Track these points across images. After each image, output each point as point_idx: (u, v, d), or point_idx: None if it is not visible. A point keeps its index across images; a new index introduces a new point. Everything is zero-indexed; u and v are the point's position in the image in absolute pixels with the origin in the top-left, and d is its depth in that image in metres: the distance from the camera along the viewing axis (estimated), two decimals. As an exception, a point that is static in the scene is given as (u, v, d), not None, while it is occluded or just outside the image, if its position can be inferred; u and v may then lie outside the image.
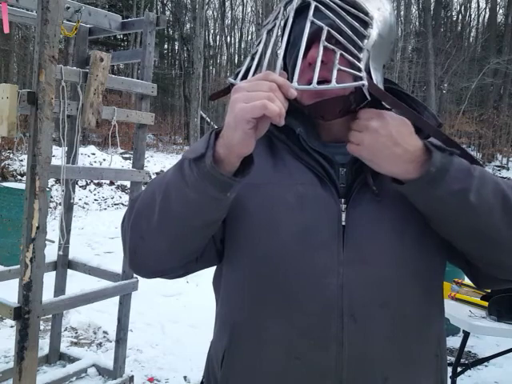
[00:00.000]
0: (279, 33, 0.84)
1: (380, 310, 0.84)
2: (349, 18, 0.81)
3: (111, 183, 10.01)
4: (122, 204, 9.73)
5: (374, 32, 0.83)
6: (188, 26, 25.39)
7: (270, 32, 0.84)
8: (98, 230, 7.45)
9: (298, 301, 0.84)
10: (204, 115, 19.51)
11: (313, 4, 0.81)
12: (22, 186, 5.22)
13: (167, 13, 25.60)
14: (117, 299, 2.81)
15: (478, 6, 38.11)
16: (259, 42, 0.84)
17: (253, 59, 0.82)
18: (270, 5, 21.98)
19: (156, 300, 4.42)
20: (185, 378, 3.11)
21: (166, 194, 0.80)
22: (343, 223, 0.85)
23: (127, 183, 8.69)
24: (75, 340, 3.61)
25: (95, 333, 3.75)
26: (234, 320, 0.90)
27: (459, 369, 2.63)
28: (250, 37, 30.75)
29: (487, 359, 3.11)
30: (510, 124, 21.87)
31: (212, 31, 29.69)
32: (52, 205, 7.70)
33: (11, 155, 8.77)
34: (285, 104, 0.72)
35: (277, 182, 0.87)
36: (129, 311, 2.83)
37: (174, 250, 0.85)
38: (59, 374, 2.88)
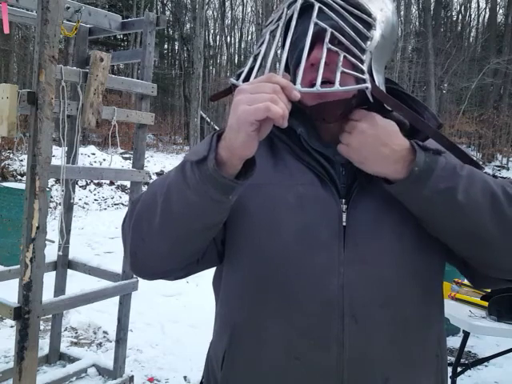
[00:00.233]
0: (282, 33, 0.83)
1: (380, 310, 0.84)
2: (352, 20, 0.81)
3: (111, 183, 10.01)
4: (122, 204, 9.73)
5: (376, 33, 0.83)
6: (188, 25, 25.41)
7: (272, 33, 0.84)
8: (98, 230, 7.45)
9: (299, 301, 0.84)
10: (204, 115, 19.50)
11: (316, 5, 0.80)
12: (22, 185, 5.22)
13: (167, 13, 25.60)
14: (117, 299, 2.81)
15: (478, 5, 38.15)
16: (262, 43, 0.83)
17: (255, 60, 0.81)
18: (269, 5, 21.97)
19: (156, 300, 4.42)
20: (185, 378, 3.11)
21: (167, 196, 0.79)
22: (344, 223, 0.85)
23: (127, 183, 8.70)
24: (75, 340, 3.61)
25: (95, 333, 3.75)
26: (234, 320, 0.90)
27: (459, 369, 2.63)
28: (249, 37, 30.78)
29: (487, 359, 3.11)
30: (510, 124, 21.86)
31: (212, 31, 29.71)
32: (52, 205, 7.70)
33: (11, 155, 8.77)
34: (288, 106, 0.72)
35: (277, 183, 0.87)
36: (129, 311, 2.83)
37: (175, 252, 0.85)
38: (59, 373, 2.88)
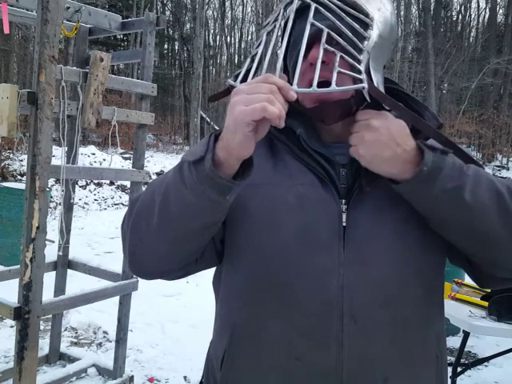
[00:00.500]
0: (279, 34, 0.84)
1: (380, 310, 0.84)
2: (349, 20, 0.81)
3: (111, 183, 10.01)
4: (122, 204, 9.73)
5: (374, 33, 0.83)
6: (188, 25, 25.40)
7: (269, 33, 0.84)
8: (98, 230, 7.45)
9: (298, 301, 0.84)
10: (204, 115, 19.51)
11: (313, 6, 0.80)
12: (22, 186, 5.22)
13: (167, 13, 25.60)
14: (117, 299, 2.81)
15: (478, 5, 38.13)
16: (259, 44, 0.83)
17: (253, 61, 0.81)
18: (269, 5, 21.96)
19: (156, 300, 4.42)
20: (185, 378, 3.11)
21: (165, 196, 0.80)
22: (344, 224, 0.85)
23: (127, 183, 8.70)
24: (75, 340, 3.61)
25: (95, 333, 3.75)
26: (234, 320, 0.90)
27: (459, 369, 2.63)
28: (249, 37, 30.78)
29: (487, 359, 3.11)
30: (510, 124, 21.86)
31: (212, 31, 29.71)
32: (52, 205, 7.70)
33: (11, 155, 8.78)
34: (285, 106, 0.72)
35: (277, 183, 0.87)
36: (129, 311, 2.83)
37: (173, 252, 0.85)
38: (59, 373, 2.88)
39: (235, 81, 0.80)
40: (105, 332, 3.76)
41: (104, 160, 10.57)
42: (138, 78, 2.89)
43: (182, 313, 4.21)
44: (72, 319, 3.86)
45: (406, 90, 0.94)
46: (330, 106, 0.85)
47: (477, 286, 2.77)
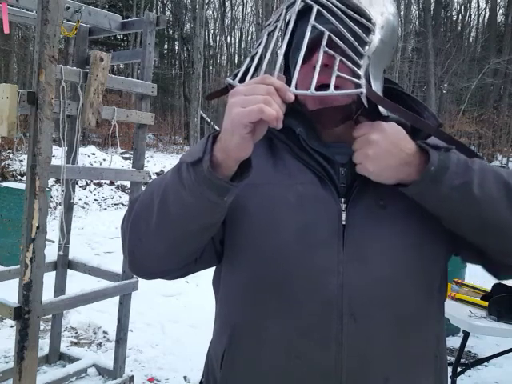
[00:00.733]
0: (280, 34, 0.83)
1: (380, 309, 0.84)
2: (351, 24, 0.81)
3: (111, 183, 10.01)
4: (122, 204, 9.73)
5: (375, 38, 0.83)
6: (188, 25, 25.40)
7: (270, 34, 0.84)
8: (98, 230, 7.44)
9: (298, 300, 0.84)
10: (204, 115, 19.51)
11: (315, 8, 0.80)
12: (22, 186, 5.22)
13: (167, 13, 25.60)
14: (117, 299, 2.81)
15: (478, 5, 38.09)
16: (259, 44, 0.83)
17: (252, 60, 0.81)
18: (269, 5, 21.96)
19: (156, 300, 4.42)
20: (185, 378, 3.11)
21: (163, 196, 0.80)
22: (343, 222, 0.85)
23: (127, 183, 8.70)
24: (75, 340, 3.61)
25: (95, 333, 3.75)
26: (234, 320, 0.90)
27: (459, 369, 2.63)
28: (249, 37, 30.78)
29: (487, 359, 3.11)
30: (510, 124, 21.87)
31: (212, 31, 29.72)
32: (52, 205, 7.70)
33: (11, 155, 8.77)
34: (282, 107, 0.72)
35: (277, 182, 0.87)
36: (129, 311, 2.83)
37: (172, 253, 0.85)
38: (59, 373, 2.88)
39: (234, 79, 0.80)
40: (105, 332, 3.75)
41: (104, 160, 10.57)
42: (138, 78, 2.89)
43: (181, 313, 4.21)
44: (72, 319, 3.86)
45: (405, 90, 0.94)
46: (330, 110, 0.85)
47: (477, 286, 2.79)
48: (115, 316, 2.84)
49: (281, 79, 0.74)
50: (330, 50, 0.78)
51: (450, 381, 2.52)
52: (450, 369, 2.55)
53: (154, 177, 10.20)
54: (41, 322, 2.51)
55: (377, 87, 0.85)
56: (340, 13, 0.81)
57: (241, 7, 35.89)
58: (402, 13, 22.61)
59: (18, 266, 2.40)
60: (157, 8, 25.12)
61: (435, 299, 0.91)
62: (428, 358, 0.89)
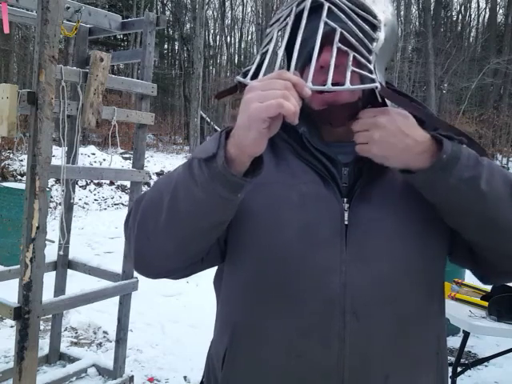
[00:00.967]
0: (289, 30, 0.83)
1: (382, 308, 0.84)
2: (359, 21, 0.81)
3: (111, 183, 10.01)
4: (122, 204, 9.73)
5: (381, 35, 0.84)
6: (188, 25, 25.41)
7: (281, 30, 0.84)
8: (98, 230, 7.44)
9: (300, 300, 0.84)
10: (204, 115, 19.51)
11: (326, 5, 0.80)
12: (22, 186, 5.22)
13: (167, 13, 25.60)
14: (117, 299, 2.81)
15: (478, 5, 38.12)
16: (269, 41, 0.83)
17: (262, 57, 0.81)
18: (270, 5, 21.96)
19: (156, 300, 4.42)
20: (185, 378, 3.11)
21: (174, 193, 0.79)
22: (346, 222, 0.85)
23: (127, 183, 8.69)
24: (75, 340, 3.61)
25: (95, 333, 3.75)
26: (235, 319, 0.90)
27: (459, 369, 2.63)
28: (249, 37, 30.78)
29: (487, 359, 3.11)
30: (510, 124, 21.87)
31: (212, 31, 29.71)
32: (52, 205, 7.70)
33: (11, 155, 8.77)
34: (299, 103, 0.72)
35: (280, 182, 0.88)
36: (129, 311, 2.83)
37: (181, 251, 0.85)
38: (59, 373, 2.88)
39: (244, 78, 0.80)
40: (105, 332, 3.76)
41: (104, 160, 10.57)
42: (138, 78, 2.89)
43: (181, 313, 4.21)
44: (72, 319, 3.86)
45: (404, 91, 0.95)
46: (337, 108, 0.85)
47: (477, 286, 2.79)
48: (115, 316, 2.84)
49: (295, 75, 0.74)
50: (343, 46, 0.78)
51: (450, 381, 2.52)
52: (450, 369, 2.55)
53: (154, 177, 10.21)
54: (41, 322, 2.51)
55: (382, 83, 0.85)
56: (348, 10, 0.81)
57: (241, 7, 35.91)
58: (402, 13, 22.63)
59: (18, 266, 2.40)
60: (157, 8, 25.13)
61: (436, 298, 0.92)
62: (429, 356, 0.90)
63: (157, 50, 21.39)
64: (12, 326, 3.49)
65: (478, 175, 0.79)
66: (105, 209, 9.46)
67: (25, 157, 7.74)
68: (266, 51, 0.81)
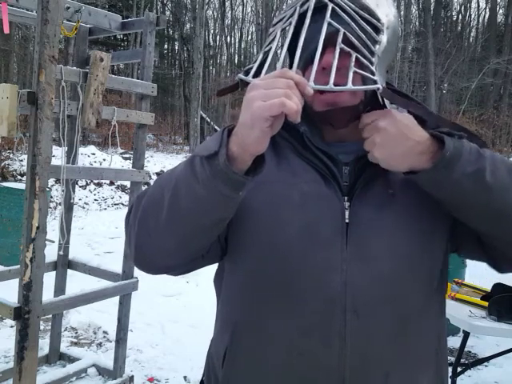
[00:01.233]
0: (292, 30, 0.83)
1: (383, 306, 0.85)
2: (362, 23, 0.82)
3: (111, 183, 10.01)
4: (122, 204, 9.73)
5: (384, 38, 0.84)
6: (188, 25, 25.41)
7: (285, 29, 0.84)
8: (97, 230, 7.44)
9: (301, 298, 0.85)
10: (204, 115, 19.51)
11: (330, 5, 0.81)
12: (22, 185, 5.22)
13: (167, 13, 25.60)
14: (117, 299, 2.81)
15: (478, 5, 38.09)
16: (272, 40, 0.83)
17: (265, 56, 0.81)
18: (270, 5, 21.96)
19: (156, 300, 4.42)
20: (185, 377, 3.11)
21: (175, 190, 0.79)
22: (347, 221, 0.86)
23: (127, 183, 8.69)
24: (75, 340, 3.61)
25: (95, 333, 3.75)
26: (236, 318, 0.91)
27: (459, 369, 2.63)
28: (249, 37, 30.79)
29: (487, 359, 3.11)
30: (510, 124, 21.87)
31: (212, 31, 29.71)
32: (52, 205, 7.69)
33: (11, 155, 8.77)
34: (301, 101, 0.72)
35: (281, 180, 0.88)
36: (129, 311, 2.83)
37: (182, 248, 0.85)
38: (59, 373, 2.88)
39: (246, 76, 0.80)
40: (105, 332, 3.75)
41: (104, 160, 10.56)
42: (138, 78, 2.89)
43: (181, 313, 4.21)
44: (72, 319, 3.86)
45: (403, 92, 0.95)
46: (339, 111, 0.86)
47: (477, 286, 2.79)
48: (115, 316, 2.84)
49: (298, 74, 0.75)
50: (346, 47, 0.79)
51: (450, 381, 2.52)
52: (450, 369, 2.55)
53: (154, 177, 10.20)
54: (41, 322, 2.51)
55: (383, 85, 0.85)
56: (352, 12, 0.82)
57: (241, 7, 35.91)
58: (402, 13, 22.61)
59: (18, 266, 2.40)
60: (157, 8, 25.13)
61: (436, 297, 0.92)
62: (429, 355, 0.90)
63: (157, 50, 21.39)
64: (12, 326, 3.49)
65: (482, 168, 0.79)
66: (105, 209, 9.46)
67: (25, 157, 7.74)
68: (269, 50, 0.82)
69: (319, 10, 0.81)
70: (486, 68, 20.04)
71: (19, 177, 8.34)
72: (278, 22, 0.87)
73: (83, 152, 10.33)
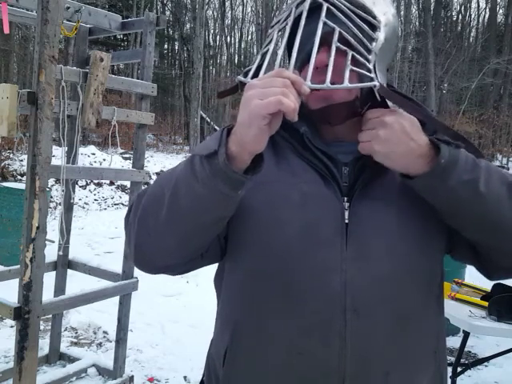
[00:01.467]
0: (289, 31, 0.84)
1: (382, 306, 0.85)
2: (358, 21, 0.82)
3: (111, 183, 10.01)
4: (122, 204, 9.73)
5: (381, 35, 0.84)
6: (188, 25, 25.41)
7: (281, 31, 0.85)
8: (98, 230, 7.44)
9: (301, 298, 0.85)
10: (204, 115, 19.51)
11: (325, 5, 0.81)
12: (22, 186, 5.22)
13: (167, 13, 25.60)
14: (117, 299, 2.81)
15: (478, 5, 38.13)
16: (269, 41, 0.84)
17: (263, 58, 0.82)
18: (270, 5, 21.96)
19: (156, 300, 4.42)
20: (185, 378, 3.11)
21: (175, 189, 0.80)
22: (346, 221, 0.86)
23: (127, 183, 8.69)
24: (75, 340, 3.61)
25: (95, 333, 3.75)
26: (236, 318, 0.91)
27: (459, 369, 2.62)
28: (249, 37, 30.79)
29: (487, 359, 3.11)
30: (510, 124, 21.88)
31: (212, 31, 29.71)
32: (52, 205, 7.69)
33: (11, 155, 8.77)
34: (298, 100, 0.73)
35: (281, 181, 0.88)
36: (129, 311, 2.83)
37: (181, 247, 0.85)
38: (59, 373, 2.88)
39: (245, 77, 0.81)
40: (105, 332, 3.75)
41: (104, 160, 10.57)
42: (138, 78, 2.89)
43: (181, 313, 4.21)
44: (72, 319, 3.86)
45: (403, 92, 0.95)
46: (335, 107, 0.86)
47: (477, 286, 2.79)
48: (115, 316, 2.84)
49: (295, 73, 0.75)
50: (342, 46, 0.79)
51: (450, 381, 2.52)
52: (449, 369, 2.55)
53: (154, 177, 10.20)
54: (41, 322, 2.51)
55: (384, 83, 0.86)
56: (347, 10, 0.82)
57: (241, 7, 35.93)
58: (402, 13, 22.62)
59: (18, 266, 2.40)
60: (157, 8, 25.12)
61: (435, 296, 0.93)
62: (428, 354, 0.91)
63: (157, 50, 21.39)
64: (12, 326, 3.49)
65: (476, 178, 0.80)
66: (105, 209, 9.46)
67: (25, 157, 7.74)
68: (267, 51, 0.83)
69: (315, 10, 0.82)
70: (486, 68, 20.04)
71: (19, 177, 8.34)
72: (275, 24, 0.88)
73: (83, 152, 10.33)
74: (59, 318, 3.17)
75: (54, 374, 2.88)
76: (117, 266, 2.87)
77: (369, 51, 0.82)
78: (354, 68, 0.79)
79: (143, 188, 2.79)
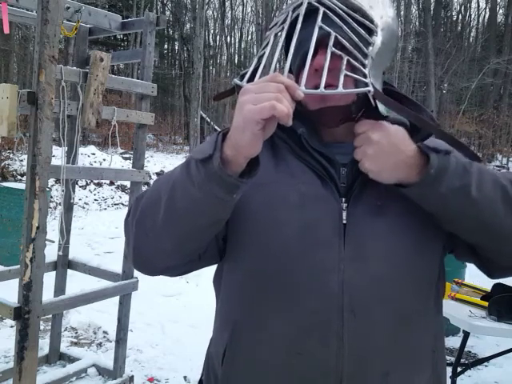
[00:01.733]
0: (285, 35, 0.84)
1: (379, 306, 0.85)
2: (355, 25, 0.82)
3: (111, 183, 10.01)
4: (122, 204, 9.73)
5: (378, 39, 0.85)
6: (188, 25, 25.42)
7: (278, 34, 0.85)
8: (97, 230, 7.44)
9: (299, 298, 0.85)
10: (204, 115, 19.50)
11: (321, 9, 0.81)
12: (22, 185, 5.22)
13: (167, 13, 25.61)
14: (117, 299, 2.81)
15: (478, 5, 38.11)
16: (266, 45, 0.85)
17: (259, 61, 0.82)
18: (270, 5, 21.96)
19: (156, 300, 4.42)
20: (185, 377, 3.12)
21: (171, 192, 0.80)
22: (344, 221, 0.86)
23: (127, 183, 8.69)
24: (75, 340, 3.61)
25: (95, 333, 3.75)
26: (235, 317, 0.91)
27: (459, 369, 2.63)
28: (249, 37, 30.80)
29: (487, 359, 3.11)
30: (510, 124, 21.89)
31: (212, 31, 29.71)
32: (52, 205, 7.69)
33: (11, 155, 8.77)
34: (292, 105, 0.73)
35: (279, 182, 0.89)
36: (129, 311, 2.83)
37: (178, 249, 0.86)
38: (59, 373, 2.88)
39: (241, 80, 0.81)
40: (105, 332, 3.75)
41: (104, 160, 10.57)
42: (138, 78, 2.89)
43: (181, 313, 4.21)
44: (72, 319, 3.86)
45: (403, 92, 0.96)
46: (332, 110, 0.86)
47: (477, 286, 2.79)
48: (115, 316, 2.84)
49: (289, 78, 0.75)
50: (337, 50, 0.79)
51: (449, 381, 2.52)
52: (449, 369, 2.55)
53: (154, 177, 10.21)
54: (41, 322, 2.51)
55: (379, 87, 0.86)
56: (344, 14, 0.82)
57: (241, 7, 35.93)
58: (402, 13, 22.63)
59: (18, 266, 2.40)
60: (157, 8, 25.13)
61: (433, 296, 0.93)
62: (426, 354, 0.91)
63: (157, 50, 21.40)
64: (12, 326, 3.49)
65: (467, 183, 0.80)
66: (105, 209, 9.46)
67: (25, 157, 7.74)
68: (263, 55, 0.83)
69: (311, 14, 0.82)
70: (486, 68, 20.05)
71: (19, 177, 8.34)
72: (272, 27, 0.88)
73: (83, 152, 10.33)
74: (59, 318, 3.17)
75: (54, 374, 2.88)
76: (117, 266, 2.87)
77: (365, 56, 0.82)
78: (349, 73, 0.79)
79: (143, 189, 2.79)
